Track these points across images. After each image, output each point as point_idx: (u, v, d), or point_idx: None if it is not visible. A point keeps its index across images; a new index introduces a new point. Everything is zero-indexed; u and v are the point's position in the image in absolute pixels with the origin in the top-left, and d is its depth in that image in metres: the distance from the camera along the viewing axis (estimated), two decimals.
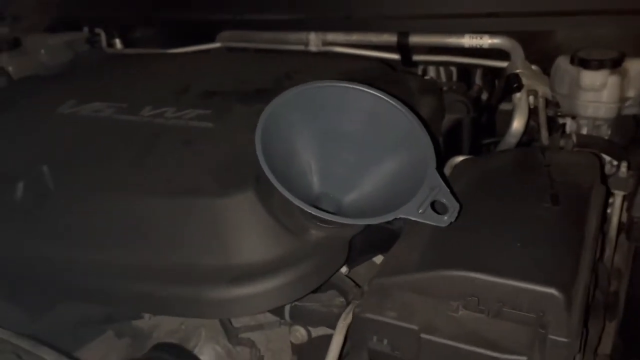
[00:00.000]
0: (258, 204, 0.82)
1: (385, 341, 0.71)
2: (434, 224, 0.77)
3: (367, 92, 0.84)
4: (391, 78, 1.21)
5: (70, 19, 1.82)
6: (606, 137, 1.26)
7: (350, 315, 0.79)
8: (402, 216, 0.77)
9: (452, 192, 0.79)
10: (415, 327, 0.69)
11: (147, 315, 1.14)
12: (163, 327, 1.22)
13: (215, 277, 0.78)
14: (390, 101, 0.84)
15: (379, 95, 0.84)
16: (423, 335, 0.69)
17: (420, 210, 0.76)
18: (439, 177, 0.79)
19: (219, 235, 0.81)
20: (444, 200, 0.78)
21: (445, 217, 0.76)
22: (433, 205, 0.78)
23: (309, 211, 0.77)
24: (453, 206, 0.77)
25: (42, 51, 1.67)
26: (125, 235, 0.85)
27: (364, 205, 0.88)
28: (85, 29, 1.76)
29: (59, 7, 1.85)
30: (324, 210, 0.85)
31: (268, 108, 0.82)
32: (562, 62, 1.24)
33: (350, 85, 0.84)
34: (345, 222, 0.80)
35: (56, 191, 0.91)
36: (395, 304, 0.73)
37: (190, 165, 0.91)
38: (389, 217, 0.77)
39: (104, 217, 0.86)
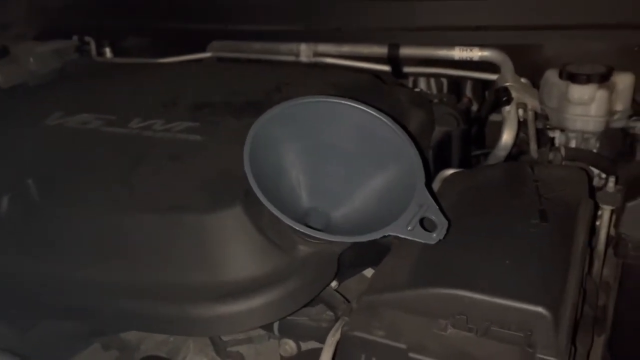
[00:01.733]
0: (246, 219, 0.81)
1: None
2: (423, 241, 0.77)
3: (356, 107, 0.84)
4: (381, 91, 1.21)
5: (60, 27, 1.81)
6: (595, 150, 1.27)
7: (340, 332, 0.79)
8: (391, 234, 0.77)
9: (441, 209, 0.79)
10: (403, 346, 0.69)
11: None
12: (151, 339, 1.21)
13: (202, 295, 0.77)
14: (380, 117, 0.84)
15: (368, 110, 0.84)
16: (411, 355, 0.68)
17: (409, 228, 0.76)
18: (427, 193, 0.79)
19: (206, 252, 0.80)
20: (433, 217, 0.77)
21: (434, 235, 0.76)
22: (422, 221, 0.78)
23: (298, 229, 0.76)
24: (442, 223, 0.77)
25: (31, 59, 1.65)
26: (111, 251, 0.84)
27: (354, 220, 0.88)
28: (75, 38, 1.75)
29: (48, 15, 1.84)
30: (312, 227, 0.84)
31: (256, 124, 0.82)
32: (551, 76, 1.25)
33: (340, 101, 0.84)
34: (333, 239, 0.79)
35: (42, 205, 0.90)
36: (383, 322, 0.73)
37: (178, 180, 0.90)
38: (378, 235, 0.77)
39: (90, 233, 0.85)
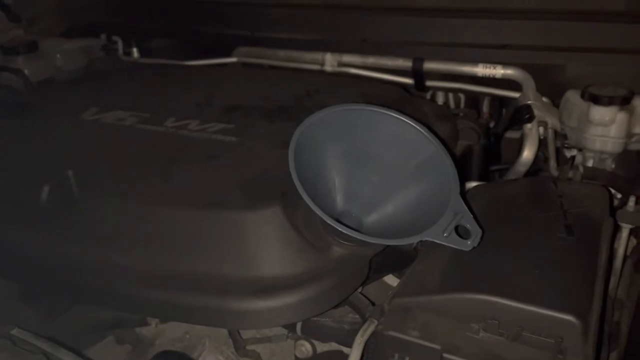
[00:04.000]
0: (284, 218, 0.84)
1: (407, 359, 0.73)
2: (458, 247, 0.79)
3: (394, 116, 0.87)
4: (408, 103, 1.24)
5: (87, 24, 1.84)
6: (610, 171, 1.31)
7: (368, 332, 0.81)
8: (429, 238, 0.80)
9: (475, 218, 0.81)
10: (437, 346, 0.71)
11: (152, 323, 1.14)
12: (167, 335, 1.22)
13: (239, 289, 0.80)
14: (416, 126, 0.87)
15: (405, 120, 0.87)
16: (445, 355, 0.71)
17: (445, 234, 0.79)
18: (463, 202, 0.82)
19: (245, 248, 0.83)
20: (467, 225, 0.80)
21: (469, 242, 0.79)
22: (456, 229, 0.81)
23: (339, 228, 0.79)
24: (476, 231, 0.80)
25: (58, 55, 1.68)
26: (150, 242, 0.86)
27: (385, 226, 0.90)
28: (103, 36, 1.78)
29: (77, 12, 1.87)
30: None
31: (301, 126, 0.85)
32: (572, 96, 1.29)
33: (379, 110, 0.87)
34: (372, 241, 0.82)
35: (82, 197, 0.93)
36: (417, 324, 0.75)
37: (216, 178, 0.93)
38: (416, 239, 0.79)
39: (130, 225, 0.88)
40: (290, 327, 1.01)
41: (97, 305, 0.87)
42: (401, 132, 0.88)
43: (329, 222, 0.79)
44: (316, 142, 0.87)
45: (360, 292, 0.96)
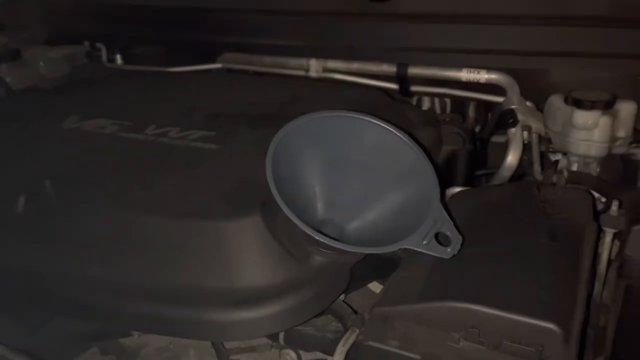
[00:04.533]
0: (264, 228, 0.83)
1: None
2: (438, 255, 0.79)
3: (375, 123, 0.87)
4: (392, 108, 1.24)
5: (71, 32, 1.83)
6: (595, 175, 1.31)
7: (350, 341, 0.80)
8: (408, 247, 0.79)
9: (455, 225, 0.81)
10: (417, 356, 0.71)
11: (135, 333, 1.13)
12: (151, 346, 1.21)
13: (218, 300, 0.78)
14: (397, 133, 0.86)
15: (386, 127, 0.86)
16: None
17: (425, 242, 0.78)
18: (443, 210, 0.81)
19: (224, 258, 0.82)
20: (448, 233, 0.80)
21: (449, 249, 0.78)
22: (437, 236, 0.80)
23: (317, 238, 0.78)
24: (456, 239, 0.79)
25: (41, 63, 1.67)
26: (129, 253, 0.85)
27: (366, 234, 0.90)
28: (86, 43, 1.77)
29: (60, 19, 1.86)
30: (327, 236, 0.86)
31: (278, 134, 0.84)
32: (556, 101, 1.29)
33: (359, 116, 0.87)
34: (352, 250, 0.81)
35: (59, 206, 0.91)
36: (397, 333, 0.74)
37: (196, 187, 0.92)
38: (395, 248, 0.79)
39: (108, 235, 0.86)
40: (273, 337, 1.00)
41: (75, 318, 0.85)
42: (382, 138, 0.87)
43: (307, 231, 0.78)
44: (295, 150, 0.86)
45: (343, 300, 0.96)
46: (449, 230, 0.79)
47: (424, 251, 0.79)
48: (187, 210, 0.86)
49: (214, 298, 0.79)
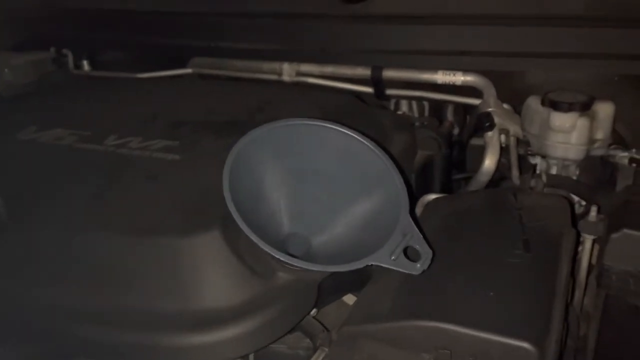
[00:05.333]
0: (224, 244, 0.78)
1: None
2: (407, 271, 0.75)
3: (340, 130, 0.82)
4: (364, 113, 1.20)
5: (38, 38, 1.77)
6: (574, 177, 1.28)
7: None
8: (374, 263, 0.75)
9: (425, 238, 0.77)
10: None
11: None
12: None
13: (175, 323, 0.74)
14: (364, 141, 0.82)
15: (352, 134, 0.82)
16: None
17: (393, 257, 0.74)
18: (412, 222, 0.77)
19: (181, 278, 0.77)
20: (417, 247, 0.75)
21: (418, 265, 0.74)
22: (405, 251, 0.76)
23: (278, 257, 0.74)
24: (426, 253, 0.75)
25: (6, 70, 1.62)
26: (80, 275, 0.80)
27: (335, 247, 0.85)
28: (52, 49, 1.71)
29: (26, 25, 1.80)
30: (293, 253, 0.82)
31: (236, 147, 0.79)
32: (533, 103, 1.26)
33: (323, 124, 0.82)
34: (313, 269, 0.77)
35: (9, 224, 0.86)
36: (364, 355, 0.70)
37: (154, 201, 0.87)
38: (360, 265, 0.74)
39: (59, 255, 0.81)
40: (244, 356, 0.95)
41: (20, 343, 0.80)
42: (348, 147, 0.83)
43: (266, 249, 0.73)
44: (257, 161, 0.82)
45: (314, 317, 0.91)
46: (418, 244, 0.75)
47: (392, 267, 0.74)
48: (140, 226, 0.81)
49: (169, 321, 0.74)
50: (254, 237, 0.73)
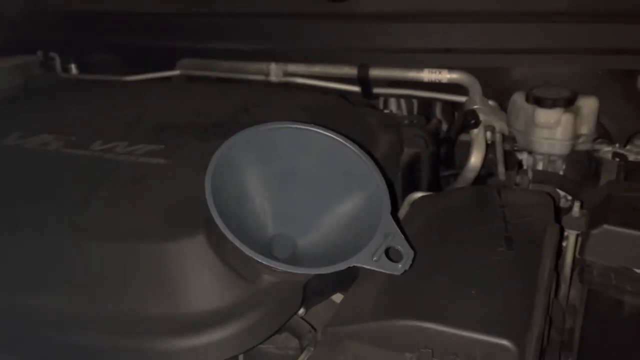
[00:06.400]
0: (208, 248, 0.78)
1: None
2: (388, 272, 0.75)
3: (321, 133, 0.83)
4: (349, 113, 1.20)
5: (24, 41, 1.77)
6: (561, 172, 1.29)
7: None
8: (356, 264, 0.75)
9: (407, 238, 0.77)
10: None
11: None
12: None
13: (159, 328, 0.74)
14: (345, 143, 0.83)
15: (333, 136, 0.83)
16: None
17: (375, 258, 0.75)
18: (393, 223, 0.78)
19: (165, 282, 0.77)
20: (399, 247, 0.76)
21: (400, 265, 0.75)
22: (387, 251, 0.77)
23: (260, 260, 0.74)
24: (407, 254, 0.76)
25: None
26: (63, 280, 0.80)
27: (321, 248, 0.86)
28: (39, 53, 1.71)
29: (12, 28, 1.80)
30: (278, 255, 0.82)
31: (218, 151, 0.80)
32: (518, 99, 1.27)
33: (305, 127, 0.83)
34: (297, 271, 0.77)
35: None
36: (348, 355, 0.71)
37: (138, 206, 0.87)
38: (342, 267, 0.75)
39: (44, 260, 0.81)
40: (233, 357, 0.96)
41: (6, 350, 0.80)
42: (331, 149, 0.83)
43: (248, 253, 0.74)
44: (239, 165, 0.82)
45: (302, 317, 0.92)
46: (400, 244, 0.76)
47: (374, 268, 0.75)
48: (125, 231, 0.81)
49: (155, 325, 0.74)
50: (236, 242, 0.73)
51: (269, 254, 0.81)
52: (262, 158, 0.84)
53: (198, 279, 0.78)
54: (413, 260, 0.76)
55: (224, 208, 0.77)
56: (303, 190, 0.86)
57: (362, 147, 0.84)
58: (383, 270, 0.75)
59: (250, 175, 0.84)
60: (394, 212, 0.81)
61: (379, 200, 0.81)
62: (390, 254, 0.77)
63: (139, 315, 0.76)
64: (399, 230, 0.77)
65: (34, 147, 1.06)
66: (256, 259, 0.74)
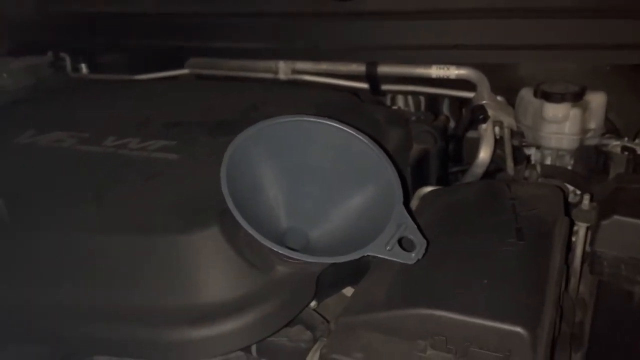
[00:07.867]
0: (222, 240, 0.79)
1: None
2: (402, 261, 0.76)
3: (334, 126, 0.84)
4: (359, 109, 1.21)
5: (35, 42, 1.78)
6: (569, 167, 1.29)
7: (318, 354, 0.78)
8: (370, 254, 0.76)
9: (419, 228, 0.78)
10: None
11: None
12: None
13: (176, 318, 0.75)
14: (359, 136, 0.84)
15: (346, 130, 0.84)
16: None
17: (388, 248, 0.76)
18: (406, 213, 0.79)
19: (181, 274, 0.78)
20: (412, 237, 0.77)
21: (413, 255, 0.76)
22: (400, 241, 0.78)
23: (276, 250, 0.75)
24: (420, 243, 0.77)
25: (4, 75, 1.63)
26: (82, 273, 0.81)
27: (332, 240, 0.87)
28: (50, 53, 1.73)
29: (23, 30, 1.81)
30: (291, 247, 0.83)
31: (233, 144, 0.81)
32: (526, 94, 1.27)
33: (318, 120, 0.84)
34: (312, 260, 0.78)
35: (11, 226, 0.88)
36: (361, 344, 0.72)
37: (153, 200, 0.88)
38: (357, 256, 0.76)
39: (60, 255, 0.83)
40: (246, 349, 0.97)
41: (27, 343, 0.82)
42: (342, 142, 0.84)
43: (265, 243, 0.75)
44: (253, 158, 0.83)
45: (314, 309, 0.93)
46: (412, 234, 0.77)
47: (387, 257, 0.76)
48: (141, 224, 0.82)
49: (171, 317, 0.75)
50: (252, 232, 0.74)
51: (282, 246, 0.82)
52: (275, 151, 0.85)
53: (213, 270, 0.79)
54: (426, 249, 0.77)
55: (238, 201, 0.78)
56: (315, 183, 0.87)
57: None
58: (397, 259, 0.76)
59: (263, 168, 0.85)
60: (407, 203, 0.82)
61: (390, 192, 0.82)
62: (403, 244, 0.78)
63: (155, 307, 0.77)
64: (411, 221, 0.78)
65: (48, 144, 1.08)
66: (272, 247, 0.75)
